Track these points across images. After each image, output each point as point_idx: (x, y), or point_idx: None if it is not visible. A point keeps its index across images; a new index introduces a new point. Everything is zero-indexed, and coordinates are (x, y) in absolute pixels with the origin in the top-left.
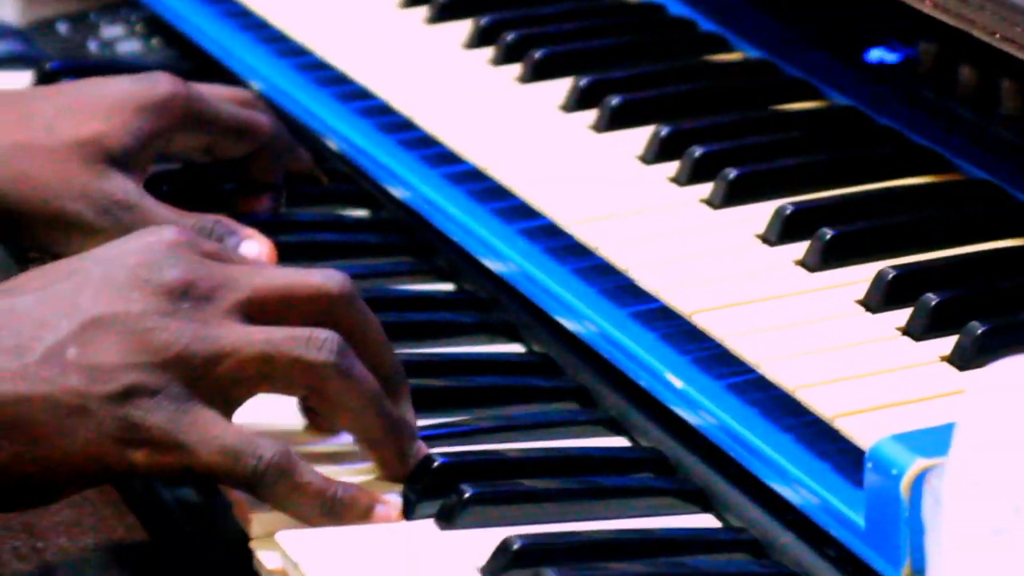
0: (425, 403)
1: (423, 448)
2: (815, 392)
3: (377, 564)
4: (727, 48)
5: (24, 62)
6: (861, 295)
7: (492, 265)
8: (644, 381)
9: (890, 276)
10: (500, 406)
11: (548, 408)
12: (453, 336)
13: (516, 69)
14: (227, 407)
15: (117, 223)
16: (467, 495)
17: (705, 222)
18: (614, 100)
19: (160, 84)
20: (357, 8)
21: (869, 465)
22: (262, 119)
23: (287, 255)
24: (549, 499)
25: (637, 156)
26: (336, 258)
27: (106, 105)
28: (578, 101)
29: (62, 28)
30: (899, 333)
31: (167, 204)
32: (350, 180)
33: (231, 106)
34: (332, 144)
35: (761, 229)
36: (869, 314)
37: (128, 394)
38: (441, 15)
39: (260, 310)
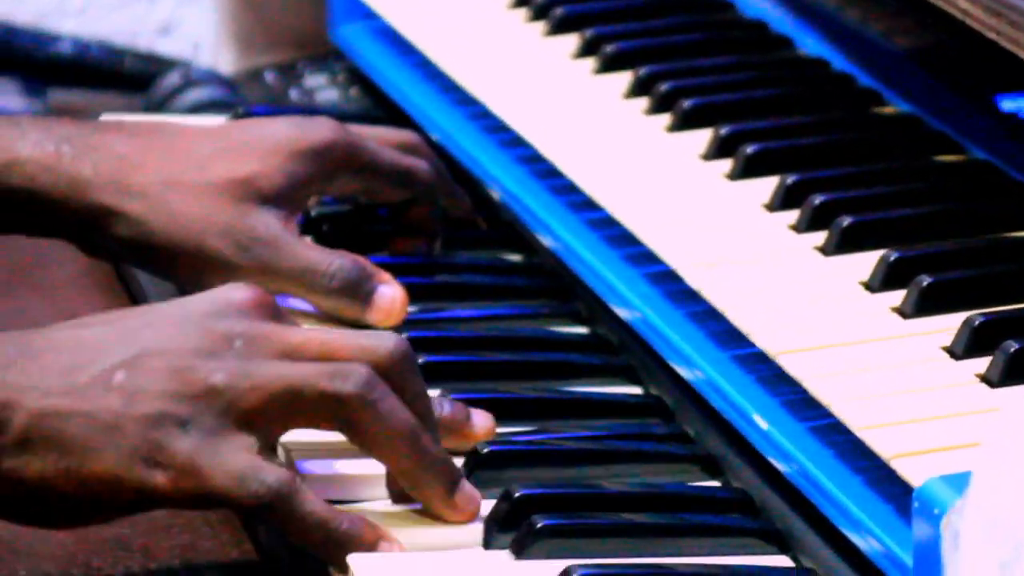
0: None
1: (469, 489)
2: (878, 433)
3: None
4: (881, 102)
5: (225, 108)
6: (949, 342)
7: (617, 310)
8: (736, 422)
9: (975, 324)
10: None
11: (655, 446)
12: (579, 377)
13: (667, 119)
14: (259, 440)
15: (256, 260)
16: (538, 526)
17: (814, 269)
18: (749, 149)
19: (321, 129)
20: (529, 57)
21: (915, 505)
22: (421, 166)
23: (438, 295)
24: (625, 533)
25: (764, 204)
26: (483, 299)
27: (264, 147)
28: (718, 150)
29: (269, 77)
30: (977, 380)
31: (316, 244)
32: (509, 226)
33: (392, 152)
34: (494, 192)
35: (867, 276)
36: (952, 361)
37: (160, 419)
38: (607, 66)
39: (303, 359)
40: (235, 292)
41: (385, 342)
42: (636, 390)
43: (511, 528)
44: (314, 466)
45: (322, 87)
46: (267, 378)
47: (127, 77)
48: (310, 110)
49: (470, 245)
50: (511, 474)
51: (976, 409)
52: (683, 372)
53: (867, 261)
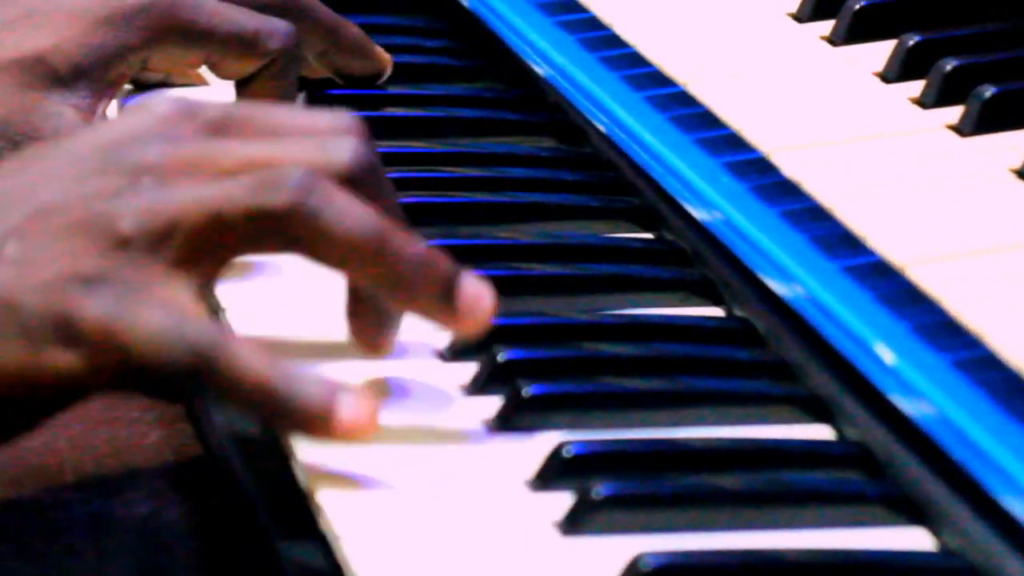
0: (599, 369)
1: (472, 284)
2: None
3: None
4: None
5: None
6: None
7: (692, 210)
8: (851, 354)
9: None
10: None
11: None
12: (642, 292)
13: None
14: (190, 286)
15: None
16: (600, 496)
17: (948, 152)
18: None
19: None
20: None
21: None
22: (275, 28)
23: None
24: (711, 501)
25: (876, 72)
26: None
27: (62, 15)
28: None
29: None
30: None
31: None
32: (555, 108)
33: (237, 12)
34: (537, 67)
35: (1018, 162)
36: None
37: (61, 284)
38: None
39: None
40: (152, 109)
41: (340, 149)
42: (716, 312)
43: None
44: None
45: None
46: (183, 209)
47: None
48: None
49: (505, 132)
50: (558, 423)
51: None
52: (778, 288)
53: (1017, 141)
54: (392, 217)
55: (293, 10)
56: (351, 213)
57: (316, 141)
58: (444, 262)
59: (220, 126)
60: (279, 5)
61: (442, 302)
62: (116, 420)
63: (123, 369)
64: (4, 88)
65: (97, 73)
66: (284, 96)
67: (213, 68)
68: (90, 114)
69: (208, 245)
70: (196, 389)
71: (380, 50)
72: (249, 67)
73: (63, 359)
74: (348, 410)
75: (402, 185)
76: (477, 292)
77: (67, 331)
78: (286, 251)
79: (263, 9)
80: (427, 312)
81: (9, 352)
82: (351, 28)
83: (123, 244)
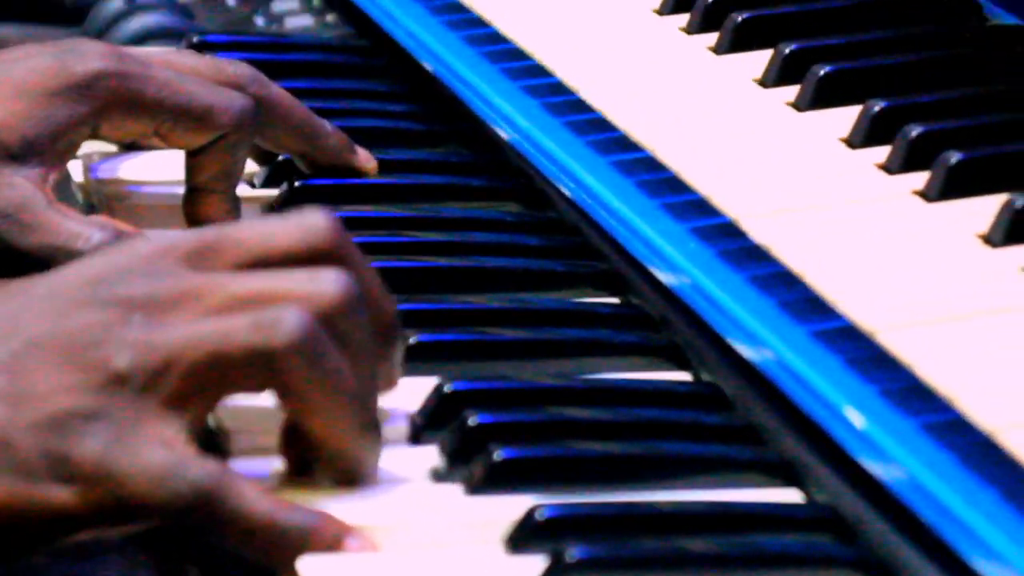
0: (569, 434)
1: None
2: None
3: None
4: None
5: (175, 37)
6: None
7: (659, 274)
8: (820, 418)
9: None
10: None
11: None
12: (608, 358)
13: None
14: (183, 427)
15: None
16: (573, 559)
17: (915, 217)
18: (821, 71)
19: (86, 58)
20: None
21: None
22: (230, 102)
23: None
24: (683, 564)
25: (842, 139)
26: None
27: (11, 88)
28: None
29: (231, 1)
30: None
31: (75, 212)
32: (519, 173)
33: (192, 85)
34: (500, 131)
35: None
36: None
37: (57, 422)
38: None
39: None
40: (132, 247)
41: (328, 284)
42: (684, 376)
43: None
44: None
45: (293, 12)
46: (181, 346)
47: (69, 11)
48: (273, 39)
49: (471, 197)
50: (530, 487)
51: None
52: (747, 352)
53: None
54: (367, 357)
55: (271, 116)
56: (344, 371)
57: (303, 277)
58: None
59: (200, 256)
60: (253, 94)
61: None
62: None
63: (119, 506)
64: None
65: (47, 145)
66: (233, 170)
67: (163, 139)
68: (42, 183)
69: (203, 383)
70: (191, 526)
71: (363, 154)
72: (200, 139)
73: (58, 496)
74: (354, 546)
75: (368, 249)
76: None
77: (62, 468)
78: (262, 390)
79: (227, 83)
80: (341, 470)
81: (2, 486)
82: (331, 137)
83: (117, 380)
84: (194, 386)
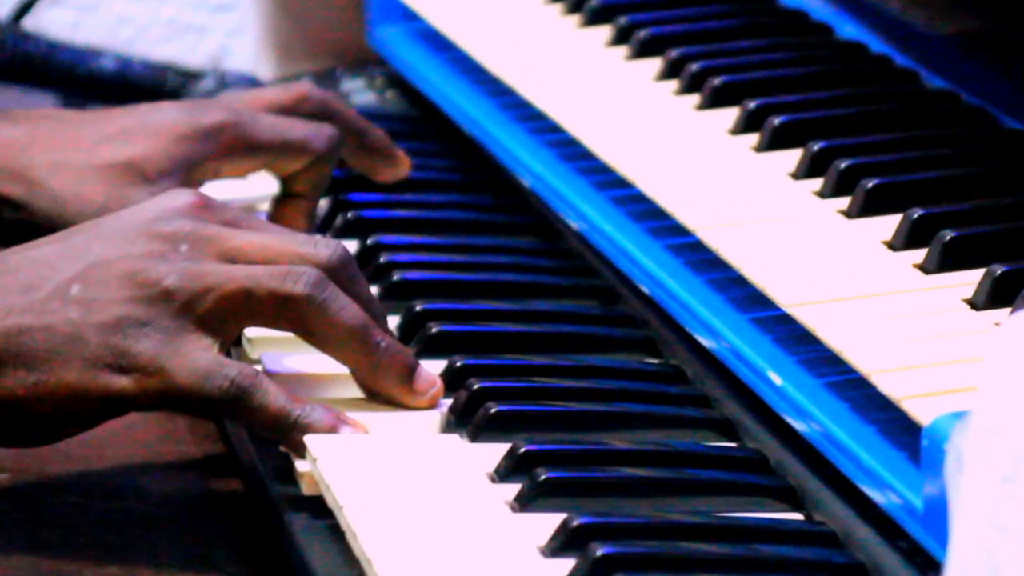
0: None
1: (426, 374)
2: (889, 376)
3: (396, 478)
4: (917, 81)
5: None
6: (970, 294)
7: (639, 283)
8: (751, 381)
9: (997, 274)
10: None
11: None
12: (598, 350)
13: (696, 98)
14: (216, 340)
15: None
16: (542, 477)
17: (837, 231)
18: (776, 120)
19: (210, 112)
20: (564, 47)
21: (925, 443)
22: (318, 134)
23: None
24: (631, 489)
25: (789, 173)
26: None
27: (150, 131)
28: (745, 124)
29: (306, 78)
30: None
31: None
32: (538, 215)
33: (286, 126)
34: (524, 180)
35: (890, 237)
36: (972, 311)
37: (119, 324)
38: (639, 52)
39: (248, 261)
40: (177, 197)
41: (325, 248)
42: (654, 361)
43: (468, 417)
44: (279, 363)
45: (359, 91)
46: (219, 280)
47: (170, 93)
48: None
49: (495, 232)
50: (518, 435)
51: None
52: (702, 340)
53: (891, 224)
54: (366, 301)
55: (330, 115)
56: (348, 308)
57: (311, 239)
58: (407, 353)
59: (234, 222)
60: (319, 112)
61: (403, 384)
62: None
63: (168, 394)
64: (104, 184)
65: (180, 178)
66: (323, 182)
67: (270, 169)
68: None
69: (232, 312)
70: (223, 413)
71: (401, 153)
72: (297, 165)
73: (118, 382)
74: (347, 431)
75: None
76: (430, 379)
77: (123, 360)
78: (287, 329)
79: (307, 115)
80: (388, 390)
81: (71, 373)
82: (377, 131)
83: (166, 296)
84: (226, 311)
